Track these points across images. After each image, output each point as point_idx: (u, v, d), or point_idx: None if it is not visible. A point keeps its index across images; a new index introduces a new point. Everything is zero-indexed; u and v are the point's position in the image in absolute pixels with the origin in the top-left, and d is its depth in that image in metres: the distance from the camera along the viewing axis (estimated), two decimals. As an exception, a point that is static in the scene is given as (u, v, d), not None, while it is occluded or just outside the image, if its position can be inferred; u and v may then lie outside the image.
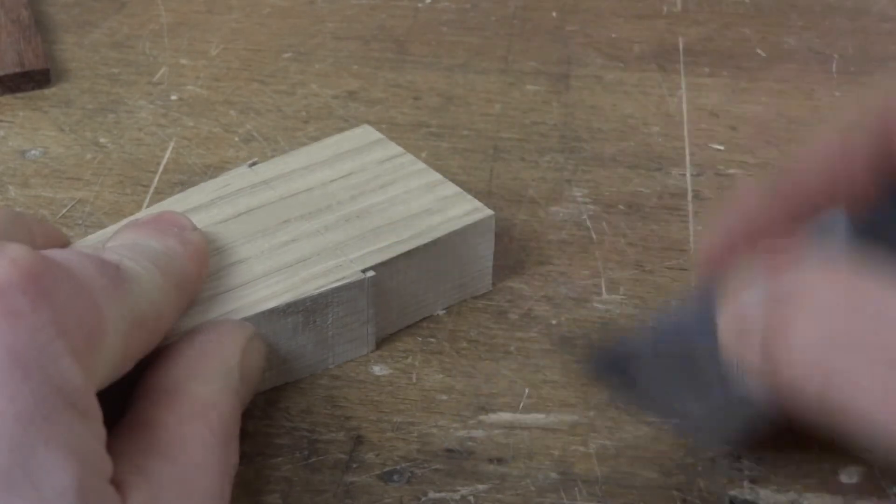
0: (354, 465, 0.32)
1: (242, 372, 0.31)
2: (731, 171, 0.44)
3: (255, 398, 0.33)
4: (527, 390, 0.35)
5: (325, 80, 0.49)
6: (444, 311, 0.37)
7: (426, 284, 0.36)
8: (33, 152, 0.44)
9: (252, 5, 0.54)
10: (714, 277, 0.30)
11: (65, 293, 0.25)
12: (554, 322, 0.37)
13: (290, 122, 0.46)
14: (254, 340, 0.32)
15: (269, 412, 0.34)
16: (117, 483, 0.25)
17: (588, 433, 0.33)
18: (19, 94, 0.47)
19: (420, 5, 0.55)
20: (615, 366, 0.34)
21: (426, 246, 0.36)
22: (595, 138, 0.46)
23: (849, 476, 0.32)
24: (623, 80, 0.50)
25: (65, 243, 0.33)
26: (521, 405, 0.34)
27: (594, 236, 0.41)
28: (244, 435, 0.30)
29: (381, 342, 0.36)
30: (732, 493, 0.32)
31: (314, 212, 0.36)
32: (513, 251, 0.40)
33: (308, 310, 0.33)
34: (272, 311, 0.33)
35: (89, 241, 0.34)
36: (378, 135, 0.40)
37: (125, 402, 0.29)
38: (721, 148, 0.46)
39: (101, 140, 0.45)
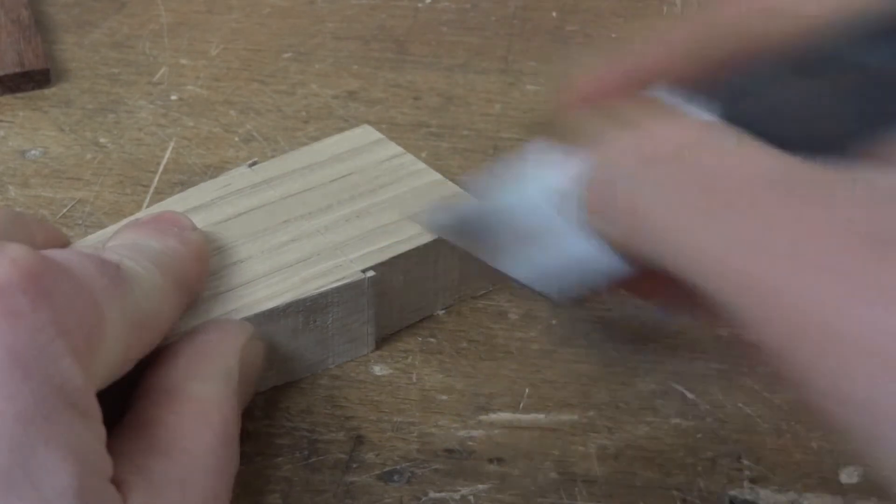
0: (354, 465, 0.32)
1: (242, 372, 0.31)
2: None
3: (255, 398, 0.33)
4: (527, 390, 0.35)
5: (325, 80, 0.49)
6: (444, 311, 0.37)
7: (426, 284, 0.36)
8: (33, 152, 0.44)
9: (252, 5, 0.54)
10: (563, 131, 0.30)
11: (65, 293, 0.25)
12: (554, 322, 0.37)
13: (290, 122, 0.46)
14: (254, 340, 0.32)
15: (269, 412, 0.34)
16: (118, 483, 0.25)
17: (588, 433, 0.33)
18: (19, 94, 0.47)
19: (420, 5, 0.55)
20: (456, 218, 0.33)
21: (426, 246, 0.36)
22: (595, 138, 0.46)
23: (849, 476, 0.32)
24: (623, 80, 0.50)
25: (65, 243, 0.33)
26: (521, 405, 0.34)
27: (594, 236, 0.41)
28: (244, 435, 0.30)
29: (381, 342, 0.36)
30: (732, 493, 0.32)
31: (314, 212, 0.36)
32: (513, 251, 0.40)
33: (308, 310, 0.33)
34: (272, 311, 0.33)
35: (89, 241, 0.34)
36: (378, 135, 0.40)
37: (126, 402, 0.29)
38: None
39: (101, 140, 0.45)
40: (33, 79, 0.47)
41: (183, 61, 0.50)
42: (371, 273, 0.34)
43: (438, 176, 0.38)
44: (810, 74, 0.27)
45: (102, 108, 0.47)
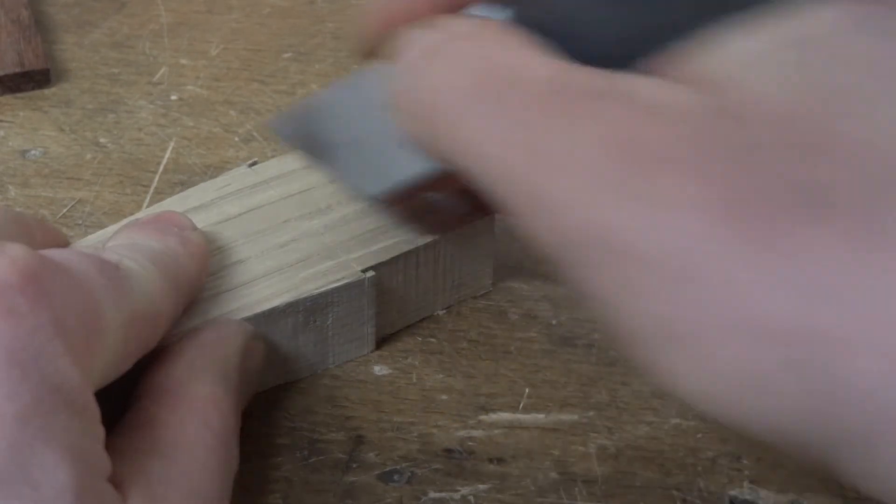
0: (354, 465, 0.32)
1: (242, 372, 0.31)
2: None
3: (255, 398, 0.33)
4: (527, 390, 0.35)
5: (325, 80, 0.49)
6: (444, 311, 0.37)
7: (426, 284, 0.36)
8: (33, 152, 0.44)
9: (252, 5, 0.54)
10: (377, 48, 0.32)
11: (63, 292, 0.25)
12: (554, 322, 0.37)
13: (290, 122, 0.46)
14: (254, 340, 0.32)
15: (269, 412, 0.34)
16: (117, 482, 0.25)
17: (588, 433, 0.33)
18: (19, 94, 0.47)
19: (420, 5, 0.55)
20: (299, 125, 0.34)
21: (426, 246, 0.36)
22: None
23: (849, 476, 0.32)
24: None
25: (65, 243, 0.33)
26: (521, 405, 0.34)
27: (594, 236, 0.41)
28: (244, 435, 0.30)
29: (382, 342, 0.36)
30: (732, 493, 0.32)
31: (314, 212, 0.36)
32: (513, 251, 0.40)
33: (308, 310, 0.33)
34: (272, 311, 0.33)
35: (89, 241, 0.34)
36: (378, 135, 0.40)
37: (125, 401, 0.29)
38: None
39: (101, 140, 0.45)
40: (33, 79, 0.47)
41: (183, 61, 0.50)
42: (371, 273, 0.34)
43: (438, 176, 0.38)
44: None
45: (102, 108, 0.47)
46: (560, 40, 0.27)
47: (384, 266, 0.35)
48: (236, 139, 0.45)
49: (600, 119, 0.24)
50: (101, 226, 0.40)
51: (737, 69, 0.24)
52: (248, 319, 0.32)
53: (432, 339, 0.37)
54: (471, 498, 0.31)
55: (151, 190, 0.42)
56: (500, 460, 0.33)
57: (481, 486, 0.32)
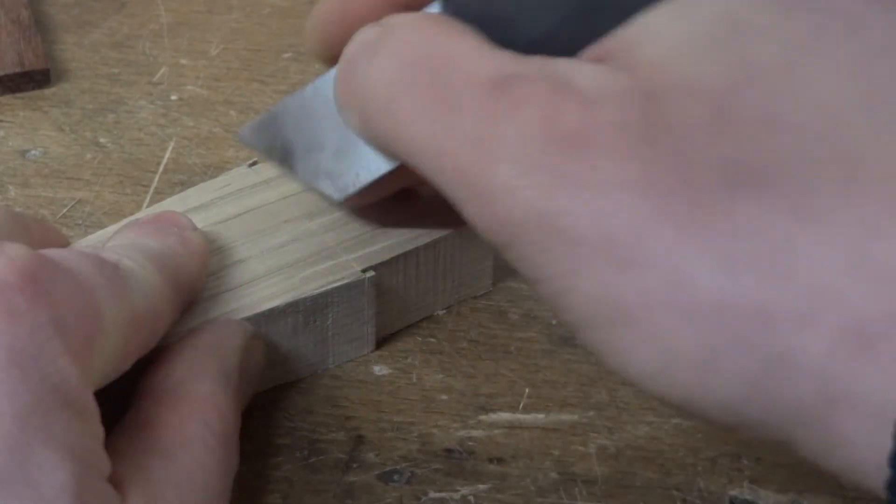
0: (354, 465, 0.32)
1: (242, 372, 0.31)
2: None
3: (255, 398, 0.33)
4: (527, 390, 0.35)
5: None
6: (444, 311, 0.37)
7: (426, 284, 0.36)
8: (33, 152, 0.44)
9: (252, 5, 0.54)
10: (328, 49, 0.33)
11: (62, 292, 0.25)
12: (554, 322, 0.37)
13: (290, 122, 0.46)
14: (254, 340, 0.32)
15: (269, 412, 0.34)
16: (117, 482, 0.25)
17: (588, 433, 0.33)
18: (19, 94, 0.47)
19: (420, 5, 0.55)
20: (266, 134, 0.35)
21: (426, 246, 0.35)
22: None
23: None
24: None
25: (65, 243, 0.33)
26: (521, 405, 0.34)
27: (594, 236, 0.41)
28: (244, 435, 0.30)
29: (382, 342, 0.36)
30: (732, 493, 0.32)
31: (314, 212, 0.36)
32: (513, 251, 0.40)
33: (308, 310, 0.33)
34: (272, 311, 0.33)
35: (89, 241, 0.34)
36: (378, 135, 0.40)
37: (125, 401, 0.29)
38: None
39: (101, 140, 0.45)
40: (33, 79, 0.47)
41: (183, 61, 0.50)
42: (371, 273, 0.34)
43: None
44: None
45: (102, 108, 0.47)
46: (499, 29, 0.27)
47: (384, 266, 0.35)
48: (236, 139, 0.45)
49: (533, 105, 0.24)
50: (101, 226, 0.40)
51: (662, 51, 0.24)
52: (248, 319, 0.32)
53: (432, 339, 0.37)
54: (471, 498, 0.31)
55: (151, 190, 0.42)
56: (500, 460, 0.32)
57: (481, 486, 0.32)
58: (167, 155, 0.44)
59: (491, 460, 0.32)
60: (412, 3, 0.31)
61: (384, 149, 0.28)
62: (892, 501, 0.20)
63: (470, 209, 0.25)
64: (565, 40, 0.26)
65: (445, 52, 0.26)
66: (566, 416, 0.34)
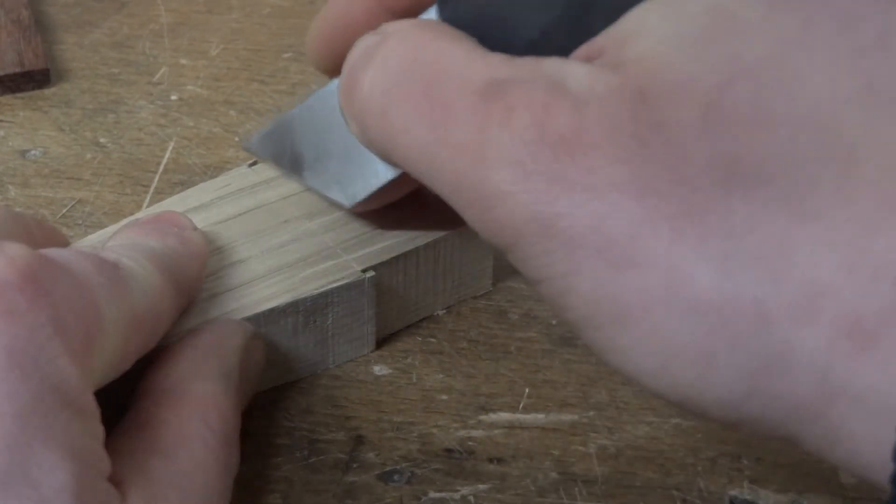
0: (354, 465, 0.32)
1: (242, 372, 0.31)
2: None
3: (255, 398, 0.33)
4: (527, 390, 0.35)
5: (325, 79, 0.49)
6: (444, 311, 0.37)
7: (426, 284, 0.36)
8: (33, 152, 0.44)
9: (252, 5, 0.54)
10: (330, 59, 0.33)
11: (62, 292, 0.25)
12: (554, 322, 0.37)
13: (290, 122, 0.46)
14: (254, 340, 0.32)
15: (269, 412, 0.34)
16: (117, 482, 0.25)
17: (588, 433, 0.33)
18: (19, 94, 0.47)
19: (420, 5, 0.55)
20: (273, 143, 0.36)
21: (426, 246, 0.36)
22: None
23: (849, 476, 0.32)
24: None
25: (64, 243, 0.33)
26: (521, 405, 0.34)
27: (594, 236, 0.41)
28: (244, 435, 0.30)
29: (381, 342, 0.36)
30: (732, 493, 0.32)
31: (314, 212, 0.36)
32: (513, 251, 0.40)
33: (308, 310, 0.33)
34: (272, 311, 0.33)
35: (89, 241, 0.34)
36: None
37: (125, 401, 0.29)
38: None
39: (101, 140, 0.45)
40: (33, 79, 0.47)
41: (183, 61, 0.50)
42: (371, 273, 0.34)
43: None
44: None
45: (102, 108, 0.47)
46: (495, 32, 0.27)
47: (384, 266, 0.35)
48: (236, 139, 0.45)
49: (525, 110, 0.24)
50: (101, 226, 0.40)
51: (652, 48, 0.24)
52: (248, 319, 0.32)
53: (432, 339, 0.37)
54: (471, 498, 0.31)
55: (151, 190, 0.42)
56: (500, 460, 0.33)
57: (481, 486, 0.32)
58: (167, 155, 0.44)
59: (491, 460, 0.32)
60: (410, 9, 0.31)
61: (383, 157, 0.28)
62: None
63: (469, 214, 0.25)
64: (561, 39, 0.26)
65: (437, 59, 0.26)
66: (566, 416, 0.34)
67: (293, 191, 0.37)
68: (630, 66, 0.24)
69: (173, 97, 0.47)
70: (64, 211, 0.41)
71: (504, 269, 0.39)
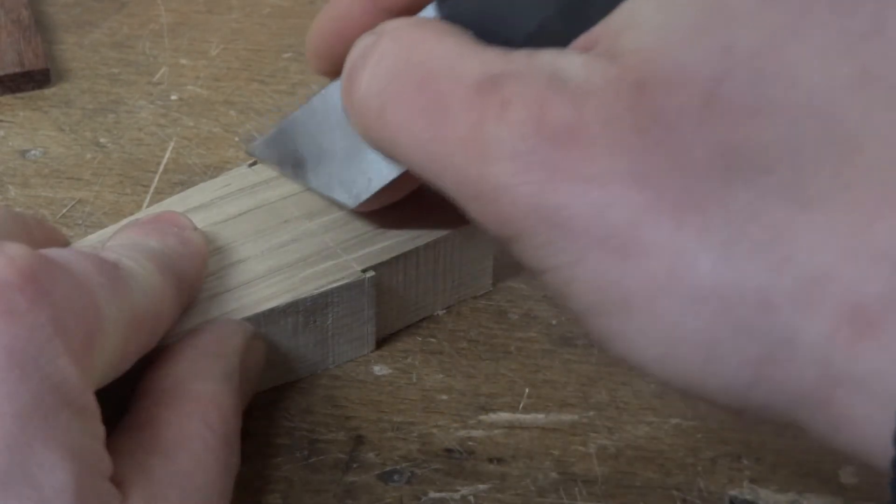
0: (354, 465, 0.32)
1: (242, 372, 0.31)
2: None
3: (255, 398, 0.33)
4: (527, 390, 0.35)
5: (325, 80, 0.49)
6: (444, 311, 0.37)
7: (426, 284, 0.36)
8: (33, 152, 0.44)
9: (252, 5, 0.54)
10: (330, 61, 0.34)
11: (62, 292, 0.25)
12: (554, 322, 0.37)
13: (290, 122, 0.46)
14: (254, 340, 0.32)
15: (269, 412, 0.34)
16: (118, 481, 0.25)
17: (588, 433, 0.33)
18: (19, 94, 0.47)
19: (420, 5, 0.55)
20: (277, 146, 0.36)
21: (426, 246, 0.35)
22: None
23: (848, 476, 0.32)
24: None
25: (64, 243, 0.33)
26: (521, 405, 0.34)
27: (594, 236, 0.41)
28: (244, 435, 0.30)
29: (382, 342, 0.36)
30: (732, 493, 0.32)
31: (314, 212, 0.36)
32: (513, 251, 0.40)
33: (308, 310, 0.33)
34: (272, 311, 0.33)
35: (89, 241, 0.34)
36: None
37: (126, 401, 0.29)
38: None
39: (101, 140, 0.45)
40: (33, 79, 0.47)
41: (183, 61, 0.50)
42: (371, 273, 0.34)
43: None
44: None
45: (102, 108, 0.47)
46: (494, 27, 0.27)
47: (384, 266, 0.35)
48: (236, 139, 0.45)
49: (522, 103, 0.24)
50: (101, 226, 0.40)
51: (648, 38, 0.24)
52: (248, 319, 0.32)
53: (432, 339, 0.37)
54: (471, 498, 0.31)
55: (151, 190, 0.42)
56: (500, 460, 0.33)
57: (481, 486, 0.32)
58: (167, 155, 0.44)
59: (491, 460, 0.32)
60: (409, 8, 0.31)
61: (385, 154, 0.28)
62: None
63: (472, 208, 0.25)
64: (560, 32, 0.26)
65: (432, 56, 0.26)
66: (566, 416, 0.34)
67: (293, 191, 0.37)
68: (627, 57, 0.24)
69: (173, 97, 0.47)
70: (64, 211, 0.41)
71: (504, 269, 0.39)
